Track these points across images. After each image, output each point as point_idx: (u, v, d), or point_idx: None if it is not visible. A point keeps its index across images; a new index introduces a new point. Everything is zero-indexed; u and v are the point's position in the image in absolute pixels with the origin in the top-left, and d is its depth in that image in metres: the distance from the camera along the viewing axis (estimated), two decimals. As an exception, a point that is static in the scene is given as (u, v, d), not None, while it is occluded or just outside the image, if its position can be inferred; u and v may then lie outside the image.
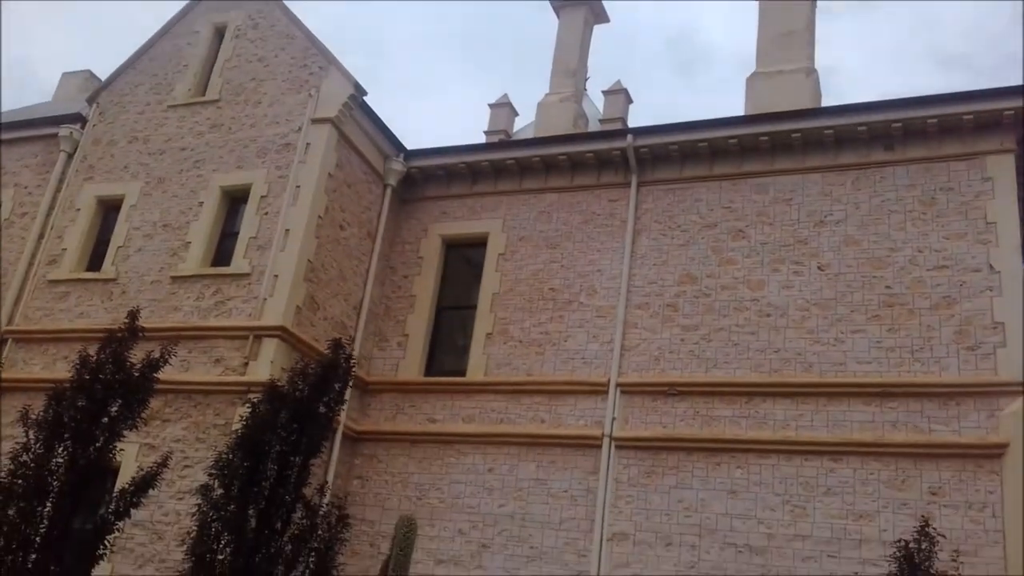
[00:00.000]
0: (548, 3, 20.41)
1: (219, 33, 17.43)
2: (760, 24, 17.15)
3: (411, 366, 15.86)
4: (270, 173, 15.35)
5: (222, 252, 15.27)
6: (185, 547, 9.25)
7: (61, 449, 9.85)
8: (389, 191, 16.83)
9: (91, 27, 67.09)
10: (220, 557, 9.05)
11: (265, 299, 14.19)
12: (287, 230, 14.64)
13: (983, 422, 12.11)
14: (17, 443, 9.87)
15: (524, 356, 15.11)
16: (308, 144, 15.29)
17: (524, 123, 23.80)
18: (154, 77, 17.47)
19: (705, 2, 68.62)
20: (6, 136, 18.10)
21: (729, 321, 14.02)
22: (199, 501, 9.32)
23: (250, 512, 9.19)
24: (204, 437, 13.54)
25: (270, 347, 13.80)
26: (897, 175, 13.96)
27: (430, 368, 15.98)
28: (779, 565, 12.27)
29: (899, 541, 8.89)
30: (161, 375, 10.57)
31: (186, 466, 13.34)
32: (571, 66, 20.12)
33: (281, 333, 13.87)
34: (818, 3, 17.34)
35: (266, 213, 15.01)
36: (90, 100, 17.98)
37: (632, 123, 19.87)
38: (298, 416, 9.53)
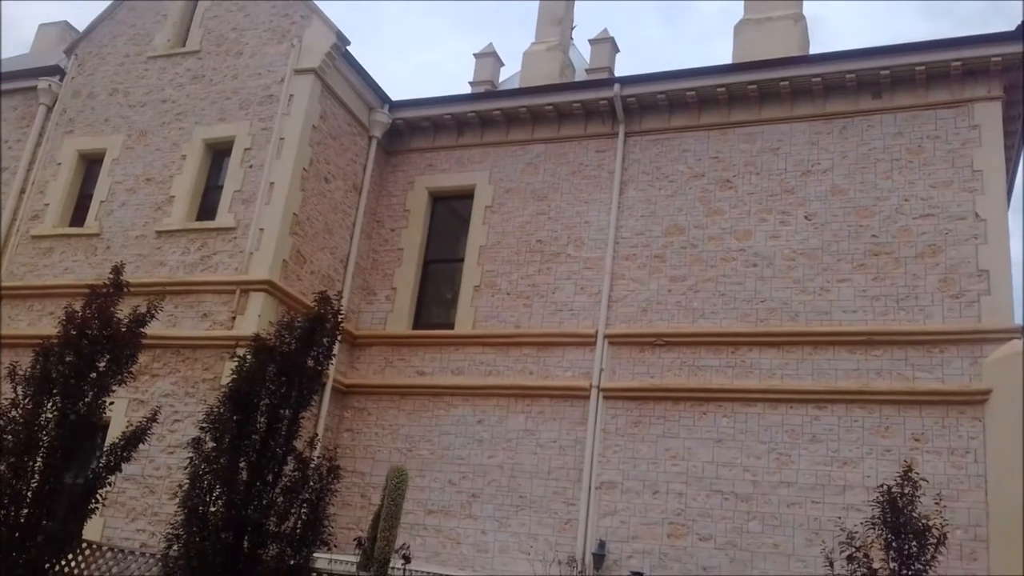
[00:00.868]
0: (533, -50, 20.08)
1: (198, -18, 17.08)
2: (748, -30, 16.91)
3: (399, 319, 15.88)
4: (253, 125, 15.17)
5: (206, 206, 15.14)
6: (177, 500, 9.30)
7: (50, 405, 9.86)
8: (374, 143, 16.67)
9: (66, -23, 65.48)
10: (212, 509, 9.10)
11: (251, 253, 14.12)
12: (272, 183, 14.52)
13: (966, 369, 12.26)
14: (6, 399, 9.86)
15: (512, 308, 15.14)
16: (291, 96, 15.09)
17: (510, 73, 23.52)
18: (133, 28, 17.14)
19: (692, -51, 67.54)
20: (-17, 89, 17.78)
21: (716, 272, 14.06)
22: (190, 454, 9.35)
23: (241, 465, 9.22)
24: (193, 392, 13.56)
25: (257, 301, 13.77)
26: (884, 123, 13.92)
27: (418, 321, 16.00)
28: (764, 511, 12.47)
29: (882, 486, 9.02)
30: (148, 330, 10.55)
31: (176, 420, 13.38)
32: (557, 15, 19.85)
33: (268, 287, 13.82)
34: (807, -51, 17.13)
35: (250, 166, 14.86)
36: (68, 52, 17.65)
37: (619, 73, 19.63)
38: (286, 370, 9.53)
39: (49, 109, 17.03)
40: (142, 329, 10.41)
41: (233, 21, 16.30)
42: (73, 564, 10.28)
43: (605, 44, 20.90)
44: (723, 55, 25.82)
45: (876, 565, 8.79)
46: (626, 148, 15.39)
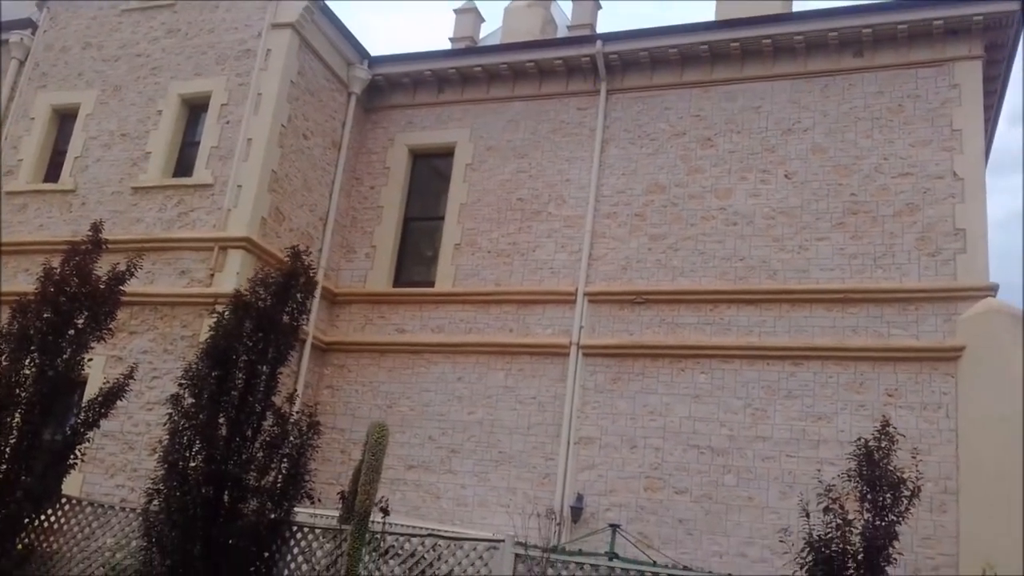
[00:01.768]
0: (515, -97, 19.71)
1: (172, -68, 16.70)
2: (732, -74, 16.72)
3: (379, 277, 15.85)
4: (230, 81, 14.95)
5: (183, 162, 14.98)
6: (157, 456, 9.33)
7: (28, 361, 9.82)
8: (353, 99, 16.49)
9: (37, -72, 63.95)
10: (192, 464, 9.14)
11: (229, 210, 14.01)
12: (249, 139, 14.36)
13: (940, 326, 12.41)
14: (-18, 356, 9.81)
15: (492, 266, 15.14)
16: (268, 50, 14.87)
17: (491, 29, 23.25)
18: (105, -21, 16.79)
19: (676, -95, 66.71)
20: (-48, 42, 17.41)
21: (696, 230, 14.10)
22: (169, 410, 9.36)
23: (220, 420, 9.25)
24: (172, 349, 13.52)
25: (236, 258, 13.68)
26: (866, 82, 13.92)
27: (398, 279, 15.98)
28: (739, 465, 12.66)
29: (859, 439, 9.16)
30: (126, 287, 10.52)
31: (154, 377, 13.36)
32: (539, -30, 19.59)
33: (247, 244, 13.74)
34: (791, -96, 16.94)
35: (227, 122, 14.68)
36: (40, 4, 17.26)
37: (601, 30, 19.45)
38: (263, 326, 9.53)
39: (21, 63, 16.72)
40: (121, 287, 10.36)
41: (208, -27, 16.00)
42: (53, 519, 10.32)
43: (587, 1, 20.69)
44: (706, 13, 25.65)
45: (851, 516, 8.97)
46: (608, 106, 15.31)
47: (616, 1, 49.71)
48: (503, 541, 8.84)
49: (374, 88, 16.81)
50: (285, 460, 9.40)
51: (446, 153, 16.34)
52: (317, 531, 9.42)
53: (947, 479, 11.68)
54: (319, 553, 9.29)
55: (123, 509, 10.32)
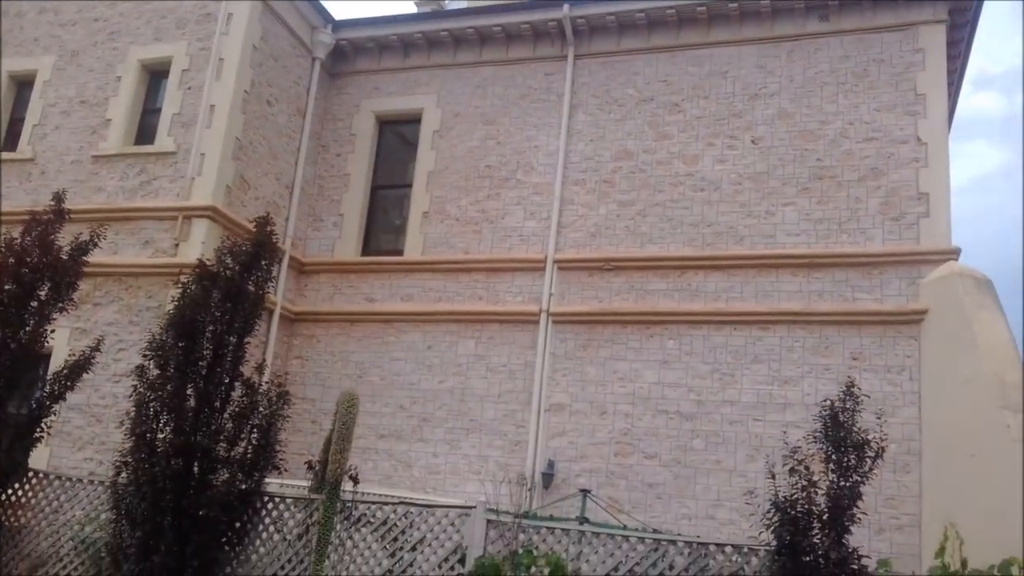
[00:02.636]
0: None
1: None
2: None
3: (347, 246, 15.73)
4: (191, 45, 14.65)
5: (145, 130, 14.70)
6: (124, 428, 9.23)
7: (-11, 334, 9.67)
8: (318, 65, 16.24)
9: None
10: (161, 436, 9.06)
11: (193, 178, 13.78)
12: (212, 106, 14.11)
13: (904, 290, 12.59)
14: (-59, 329, 9.62)
15: (461, 234, 15.08)
16: (230, 14, 14.56)
17: (457, -6, 22.96)
18: (59, -59, 16.30)
19: None
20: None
21: (664, 196, 14.12)
22: (135, 382, 9.25)
23: (188, 391, 9.16)
24: (137, 320, 13.35)
25: (201, 228, 13.50)
26: (831, 46, 13.96)
27: (367, 248, 15.87)
28: (707, 429, 12.82)
29: (825, 401, 9.28)
30: (90, 258, 10.35)
31: (120, 349, 13.20)
32: (505, -68, 19.29)
33: (211, 213, 13.55)
34: None
35: (189, 88, 14.40)
36: (-9, -33, 16.76)
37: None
38: (230, 296, 9.42)
39: (-27, 28, 16.27)
40: (84, 257, 10.20)
41: (166, -65, 15.59)
42: (20, 493, 10.20)
43: (554, -36, 20.44)
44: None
45: (816, 478, 9.11)
46: (575, 71, 15.22)
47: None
48: (475, 508, 8.88)
49: (339, 53, 16.57)
50: (255, 431, 9.34)
51: (413, 120, 16.17)
52: (288, 501, 9.40)
53: (911, 440, 11.91)
54: (291, 523, 9.28)
55: (91, 482, 10.22)
